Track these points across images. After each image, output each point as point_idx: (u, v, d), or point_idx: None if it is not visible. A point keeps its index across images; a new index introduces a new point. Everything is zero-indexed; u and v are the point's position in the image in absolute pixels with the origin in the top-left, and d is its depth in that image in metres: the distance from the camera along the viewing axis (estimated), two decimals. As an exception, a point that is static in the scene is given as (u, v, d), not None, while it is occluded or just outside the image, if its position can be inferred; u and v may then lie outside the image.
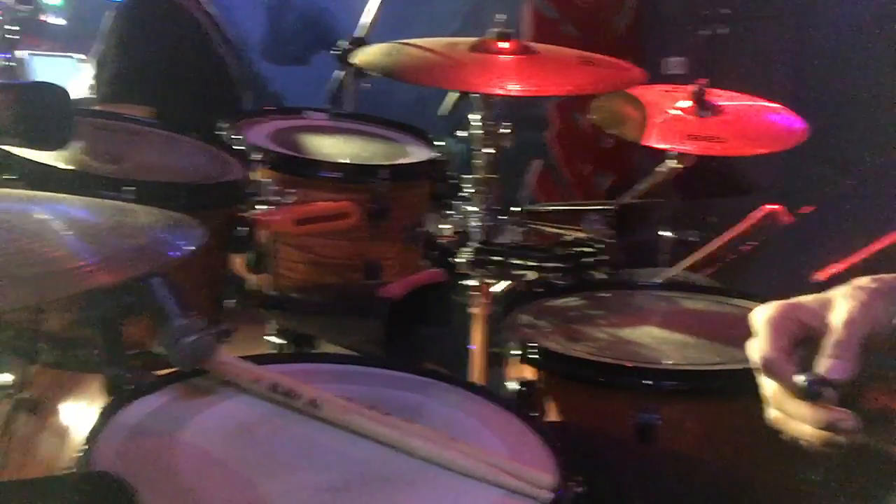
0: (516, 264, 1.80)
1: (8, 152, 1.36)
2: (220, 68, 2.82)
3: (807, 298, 1.04)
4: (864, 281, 1.01)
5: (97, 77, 2.69)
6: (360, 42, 2.55)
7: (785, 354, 1.00)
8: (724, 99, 2.40)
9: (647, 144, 2.25)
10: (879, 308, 0.99)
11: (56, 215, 0.95)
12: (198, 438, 1.19)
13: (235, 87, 2.87)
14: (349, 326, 1.73)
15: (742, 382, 1.60)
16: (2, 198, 0.98)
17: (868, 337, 0.97)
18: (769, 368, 1.01)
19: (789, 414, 1.00)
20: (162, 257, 0.97)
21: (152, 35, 2.66)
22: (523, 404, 1.66)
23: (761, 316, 1.03)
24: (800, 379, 0.97)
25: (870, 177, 2.66)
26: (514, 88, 1.79)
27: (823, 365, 0.97)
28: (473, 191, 1.95)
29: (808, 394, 0.96)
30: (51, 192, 1.05)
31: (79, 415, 1.72)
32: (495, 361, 1.86)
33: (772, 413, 1.03)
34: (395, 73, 1.93)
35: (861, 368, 0.97)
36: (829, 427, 0.96)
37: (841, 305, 1.00)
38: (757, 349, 1.01)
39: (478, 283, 1.95)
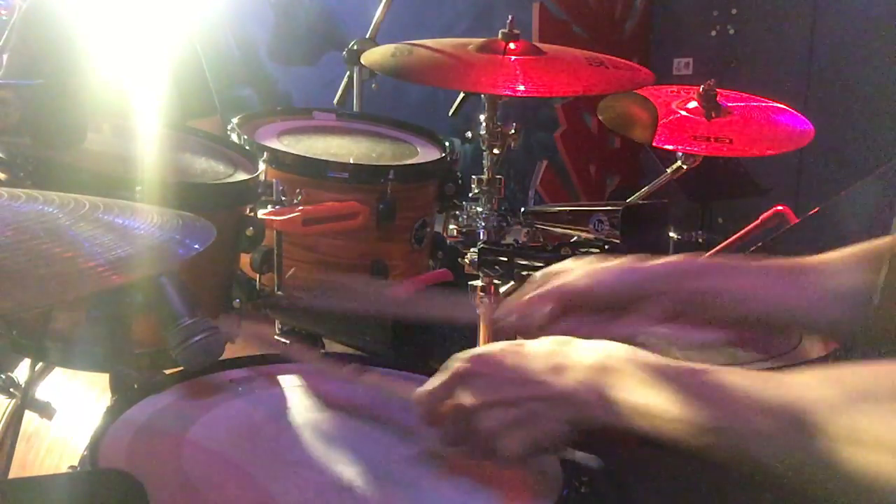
0: (523, 265, 1.80)
1: (18, 151, 1.37)
2: None
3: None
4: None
5: None
6: (368, 42, 2.56)
7: None
8: (732, 100, 2.40)
9: (654, 145, 2.25)
10: None
11: (66, 215, 0.96)
12: (205, 437, 1.20)
13: None
14: (356, 326, 1.73)
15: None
16: (13, 197, 0.98)
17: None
18: None
19: None
20: (173, 257, 0.97)
21: None
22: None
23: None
24: None
25: (878, 178, 2.65)
26: (521, 89, 1.79)
27: None
28: (480, 191, 1.95)
29: None
30: (61, 192, 1.05)
31: (86, 414, 1.73)
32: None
33: None
34: (404, 74, 1.93)
35: None
36: None
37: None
38: None
39: (484, 284, 1.95)
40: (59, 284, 0.78)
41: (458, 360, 1.10)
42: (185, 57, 2.98)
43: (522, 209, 1.95)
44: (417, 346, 1.67)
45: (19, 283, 0.76)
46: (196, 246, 0.97)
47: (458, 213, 1.98)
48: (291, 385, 1.40)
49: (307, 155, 1.92)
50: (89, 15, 2.68)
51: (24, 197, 0.99)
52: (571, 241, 1.81)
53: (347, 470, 1.14)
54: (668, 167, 2.43)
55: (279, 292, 1.79)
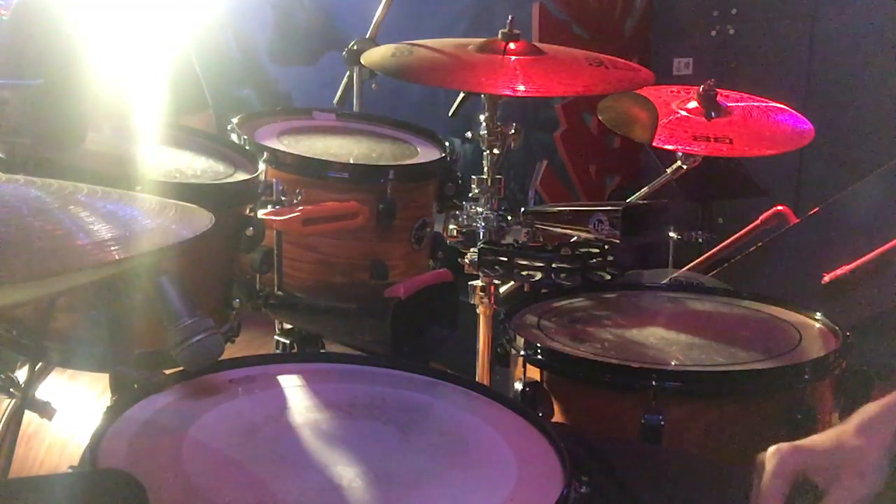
0: (523, 265, 1.80)
1: (18, 151, 1.37)
2: None
3: (820, 446, 1.11)
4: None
5: None
6: (368, 42, 2.56)
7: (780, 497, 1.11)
8: (732, 100, 2.41)
9: (654, 145, 2.25)
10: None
11: (62, 199, 0.95)
12: (205, 437, 1.20)
13: None
14: (355, 326, 1.73)
15: (747, 384, 1.62)
16: (11, 181, 0.98)
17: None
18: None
19: None
20: (167, 240, 0.96)
21: None
22: (529, 404, 1.66)
23: (771, 456, 1.12)
24: None
25: (878, 178, 2.65)
26: (521, 89, 1.79)
27: None
28: (480, 191, 1.96)
29: None
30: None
31: (86, 413, 1.73)
32: (501, 362, 1.86)
33: None
34: (404, 74, 1.93)
35: None
36: None
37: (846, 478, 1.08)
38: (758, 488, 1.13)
39: (484, 284, 1.95)
40: (54, 259, 0.77)
41: None
42: (176, 53, 2.97)
43: (522, 209, 1.95)
44: (417, 346, 1.67)
45: (14, 252, 0.75)
46: (192, 233, 0.97)
47: (458, 213, 1.98)
48: (291, 385, 1.40)
49: (307, 155, 1.92)
50: (82, 12, 2.67)
51: (21, 180, 0.99)
52: (571, 241, 1.81)
53: (347, 470, 1.14)
54: (668, 167, 2.43)
55: (279, 292, 1.79)
